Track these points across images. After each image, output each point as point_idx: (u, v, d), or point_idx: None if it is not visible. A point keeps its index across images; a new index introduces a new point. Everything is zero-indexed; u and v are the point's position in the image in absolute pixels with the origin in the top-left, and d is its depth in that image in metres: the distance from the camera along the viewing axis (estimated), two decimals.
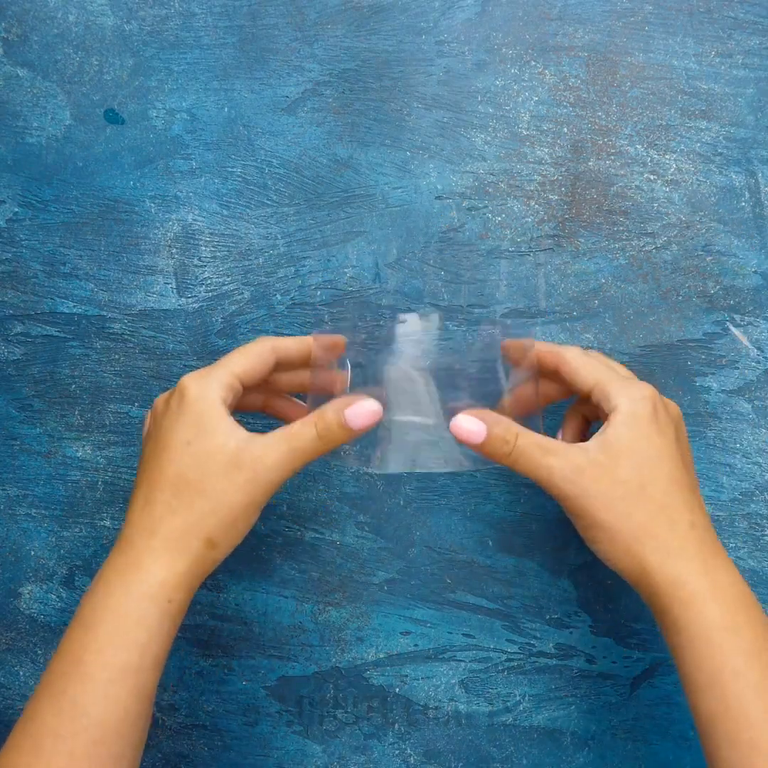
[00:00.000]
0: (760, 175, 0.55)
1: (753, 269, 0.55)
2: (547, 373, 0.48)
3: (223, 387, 0.43)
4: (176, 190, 0.55)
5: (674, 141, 0.55)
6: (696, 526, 0.42)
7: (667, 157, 0.55)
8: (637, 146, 0.55)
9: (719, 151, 0.55)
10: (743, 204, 0.55)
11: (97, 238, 0.55)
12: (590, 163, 0.55)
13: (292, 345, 0.46)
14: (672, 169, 0.55)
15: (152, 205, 0.56)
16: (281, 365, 0.47)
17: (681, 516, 0.42)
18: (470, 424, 0.43)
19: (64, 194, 0.56)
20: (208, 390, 0.43)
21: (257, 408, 0.49)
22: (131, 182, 0.56)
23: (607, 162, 0.55)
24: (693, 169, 0.55)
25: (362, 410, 0.43)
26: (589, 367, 0.45)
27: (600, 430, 0.44)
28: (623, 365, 0.49)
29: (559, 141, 0.55)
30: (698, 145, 0.55)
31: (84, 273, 0.55)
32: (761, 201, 0.55)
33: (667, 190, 0.55)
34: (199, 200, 0.55)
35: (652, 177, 0.55)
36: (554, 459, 0.42)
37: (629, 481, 0.42)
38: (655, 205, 0.55)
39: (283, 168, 0.55)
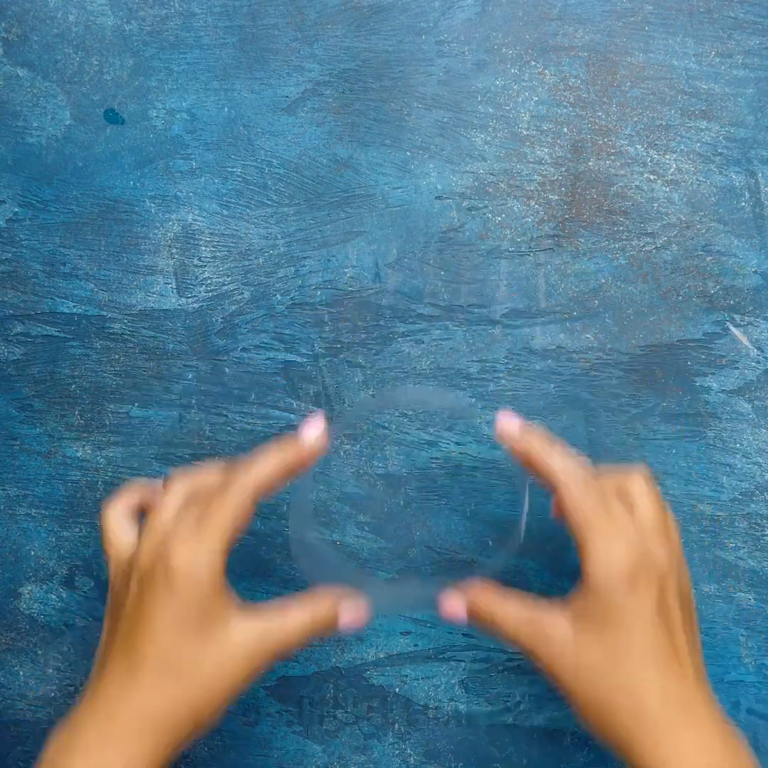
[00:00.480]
0: (760, 175, 0.55)
1: (753, 269, 0.55)
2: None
3: (215, 553, 0.40)
4: (176, 190, 0.55)
5: (674, 141, 0.55)
6: (670, 700, 0.40)
7: (667, 157, 0.55)
8: (637, 146, 0.55)
9: (719, 151, 0.55)
10: (743, 204, 0.55)
11: (97, 238, 0.55)
12: (590, 163, 0.55)
13: (272, 476, 0.42)
14: (672, 169, 0.55)
15: (152, 205, 0.56)
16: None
17: (651, 692, 0.40)
18: (455, 606, 0.44)
19: (64, 194, 0.56)
20: (200, 557, 0.40)
21: None
22: (131, 182, 0.56)
23: (607, 162, 0.55)
24: (693, 169, 0.55)
25: (352, 613, 0.43)
26: (578, 508, 0.41)
27: (576, 592, 0.42)
28: (632, 474, 0.45)
29: (559, 141, 0.55)
30: (698, 145, 0.55)
31: (84, 273, 0.55)
32: (761, 201, 0.55)
33: (667, 190, 0.55)
34: (199, 200, 0.55)
35: (652, 177, 0.55)
36: (527, 631, 0.42)
37: (596, 657, 0.40)
38: (655, 205, 0.55)
39: (283, 168, 0.55)
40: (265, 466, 0.42)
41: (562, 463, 0.42)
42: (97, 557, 0.55)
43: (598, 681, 0.40)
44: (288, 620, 0.42)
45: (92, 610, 0.56)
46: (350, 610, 0.43)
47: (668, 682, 0.40)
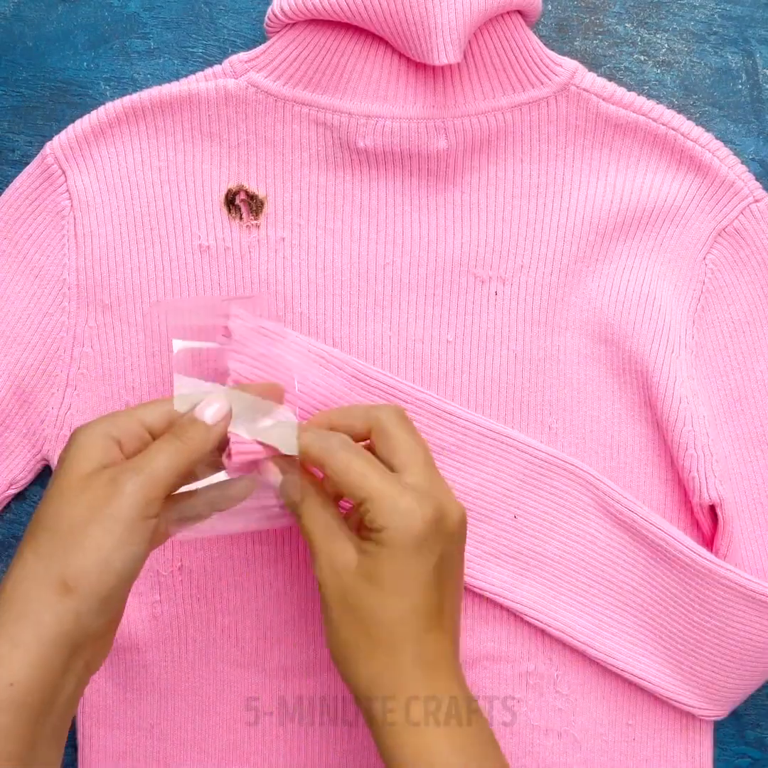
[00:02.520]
0: (757, 55, 0.52)
1: (750, 156, 0.52)
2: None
3: (116, 425, 0.39)
4: (133, 72, 0.52)
5: (666, 19, 0.52)
6: (421, 660, 0.40)
7: (658, 36, 0.52)
8: (627, 25, 0.52)
9: (714, 29, 0.52)
10: (740, 87, 0.52)
11: (48, 123, 0.52)
12: (576, 43, 0.52)
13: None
14: (664, 50, 0.52)
15: (107, 87, 0.52)
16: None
17: (404, 648, 0.40)
18: (271, 473, 0.42)
19: (13, 76, 0.52)
20: (90, 425, 0.39)
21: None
22: (85, 63, 0.52)
23: (595, 42, 0.52)
24: (686, 49, 0.52)
25: (211, 404, 0.41)
26: (358, 474, 0.40)
27: (370, 542, 0.40)
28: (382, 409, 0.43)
29: (543, 19, 0.51)
30: (692, 23, 0.52)
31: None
32: (759, 83, 0.52)
33: (659, 71, 0.52)
34: (158, 82, 0.51)
35: (642, 58, 0.52)
36: (325, 546, 0.40)
37: (366, 603, 0.39)
38: (646, 87, 0.52)
39: (248, 48, 0.51)
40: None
41: (319, 443, 0.41)
42: (48, 466, 0.51)
43: (359, 627, 0.39)
44: (154, 452, 0.38)
45: None
46: (211, 407, 0.40)
47: (426, 645, 0.40)
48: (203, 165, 0.49)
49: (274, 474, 0.41)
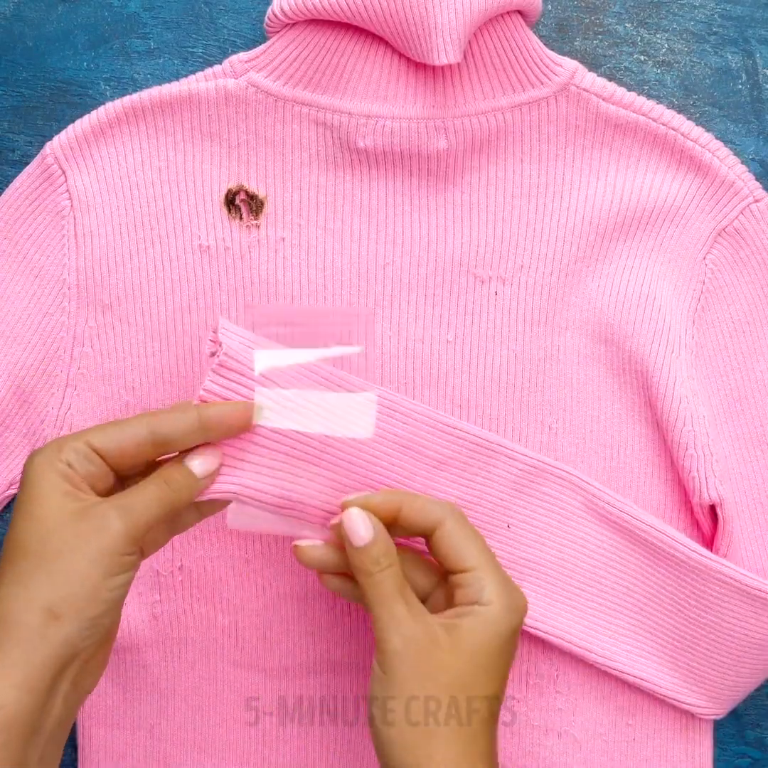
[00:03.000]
0: (757, 55, 0.52)
1: (751, 156, 0.52)
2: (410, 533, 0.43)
3: (61, 449, 0.38)
4: (133, 72, 0.52)
5: (666, 19, 0.52)
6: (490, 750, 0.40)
7: (658, 36, 0.52)
8: (627, 24, 0.52)
9: (714, 29, 0.52)
10: (740, 87, 0.52)
11: (48, 123, 0.52)
12: (576, 43, 0.52)
13: (175, 423, 0.39)
14: (664, 50, 0.52)
15: (107, 87, 0.52)
16: (162, 449, 0.40)
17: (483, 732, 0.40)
18: (364, 524, 0.40)
19: (13, 76, 0.52)
20: (42, 452, 0.38)
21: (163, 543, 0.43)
22: (85, 63, 0.52)
23: (595, 42, 0.52)
24: (686, 49, 0.52)
25: (203, 455, 0.40)
26: (473, 544, 0.41)
27: (457, 613, 0.40)
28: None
29: (543, 19, 0.51)
30: (692, 23, 0.52)
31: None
32: (759, 83, 0.52)
33: (659, 71, 0.52)
34: (158, 82, 0.51)
35: (642, 58, 0.52)
36: (397, 621, 0.39)
37: (441, 687, 0.39)
38: (646, 87, 0.52)
39: (248, 48, 0.51)
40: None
41: (433, 504, 0.42)
42: None
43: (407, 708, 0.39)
44: (141, 492, 0.38)
45: None
46: (201, 459, 0.40)
47: (493, 732, 0.41)
48: (203, 165, 0.49)
49: (364, 529, 0.40)
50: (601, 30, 0.52)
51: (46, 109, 0.52)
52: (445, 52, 0.45)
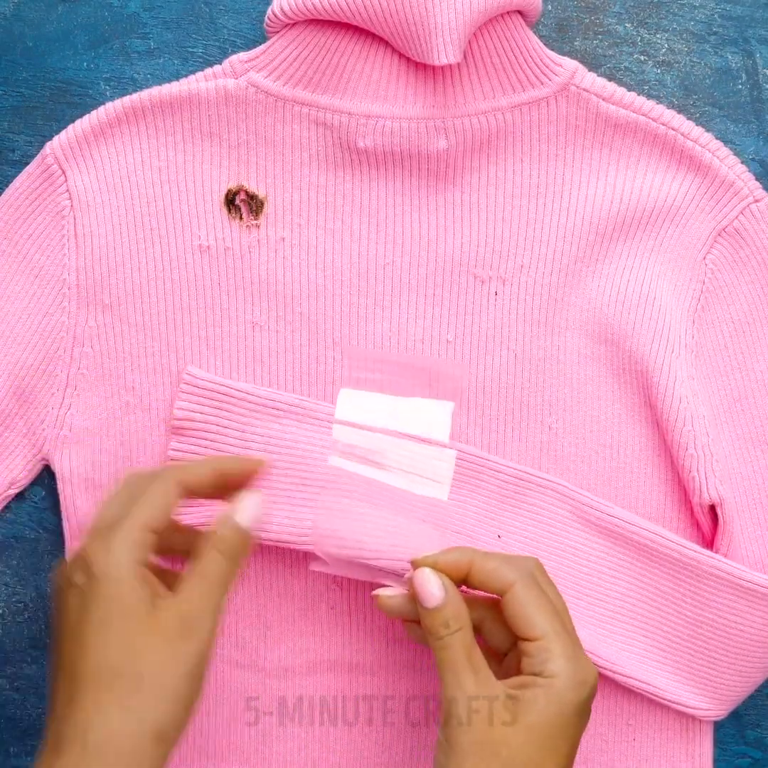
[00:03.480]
0: (757, 55, 0.52)
1: (751, 156, 0.52)
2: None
3: (133, 547, 0.37)
4: (133, 72, 0.52)
5: (666, 19, 0.52)
6: None
7: (658, 36, 0.52)
8: (627, 24, 0.52)
9: (714, 29, 0.52)
10: (740, 87, 0.52)
11: (48, 123, 0.52)
12: (576, 43, 0.52)
13: (199, 473, 0.41)
14: (664, 50, 0.52)
15: (107, 87, 0.52)
16: (192, 495, 0.41)
17: None
18: (435, 586, 0.40)
19: (13, 76, 0.52)
20: (116, 556, 0.36)
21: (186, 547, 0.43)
22: (85, 63, 0.52)
23: (595, 42, 0.52)
24: (686, 49, 0.52)
25: (246, 506, 0.40)
26: (541, 613, 0.40)
27: (521, 682, 0.39)
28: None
29: (542, 19, 0.51)
30: (692, 23, 0.52)
31: None
32: (759, 83, 0.52)
33: (659, 71, 0.52)
34: (158, 82, 0.51)
35: (642, 58, 0.52)
36: (463, 690, 0.39)
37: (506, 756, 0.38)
38: (646, 87, 0.52)
39: (248, 48, 0.51)
40: (202, 468, 0.40)
41: (504, 566, 0.41)
42: (48, 466, 0.51)
43: None
44: (209, 576, 0.38)
45: (42, 522, 0.52)
46: (243, 507, 0.40)
47: None
48: (203, 165, 0.49)
49: (435, 590, 0.40)
50: (601, 30, 0.52)
51: (46, 109, 0.52)
52: (445, 53, 0.45)
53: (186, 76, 0.50)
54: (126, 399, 0.50)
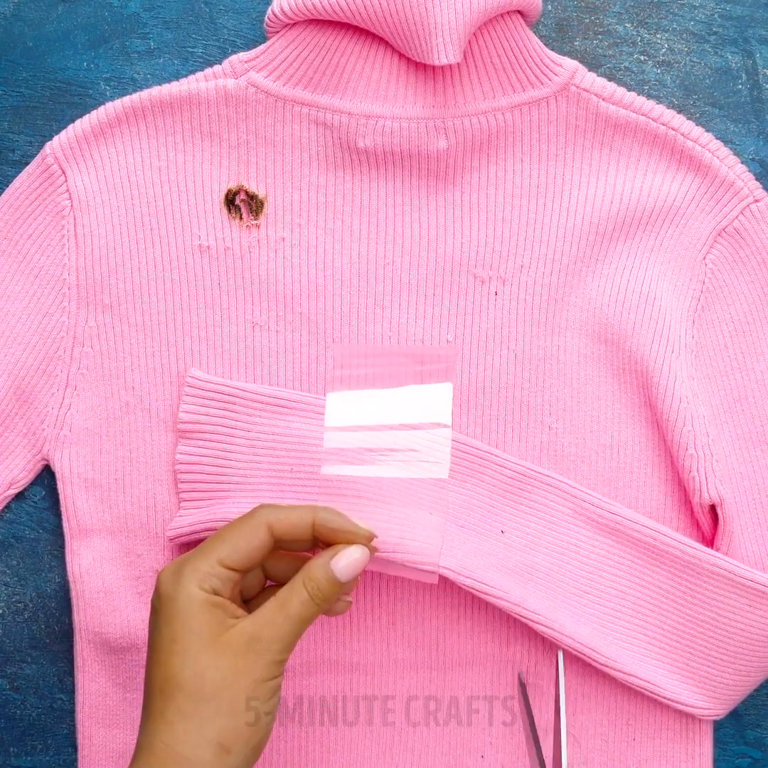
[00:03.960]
0: (757, 55, 0.52)
1: (751, 156, 0.52)
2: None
3: (202, 579, 0.38)
4: (133, 72, 0.52)
5: (666, 19, 0.52)
6: None
7: (658, 36, 0.52)
8: (627, 25, 0.52)
9: (714, 30, 0.52)
10: (740, 87, 0.52)
11: (49, 123, 0.52)
12: (576, 43, 0.52)
13: (294, 520, 0.40)
14: (664, 50, 0.52)
15: (107, 87, 0.52)
16: (283, 544, 0.41)
17: None
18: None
19: (13, 76, 0.52)
20: (183, 585, 0.38)
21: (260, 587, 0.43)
22: (85, 63, 0.52)
23: (595, 42, 0.52)
24: (686, 49, 0.52)
25: (349, 561, 0.40)
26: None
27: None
28: None
29: (542, 19, 0.51)
30: (692, 23, 0.52)
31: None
32: (759, 83, 0.52)
33: (659, 71, 0.52)
34: (158, 82, 0.51)
35: (642, 58, 0.52)
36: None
37: None
38: (646, 87, 0.52)
39: (247, 48, 0.51)
40: (295, 513, 0.40)
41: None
42: (48, 466, 0.51)
43: None
44: (287, 609, 0.39)
45: (42, 522, 0.52)
46: (346, 562, 0.40)
47: None
48: (203, 165, 0.49)
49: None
50: (601, 30, 0.52)
51: (46, 109, 0.52)
52: (445, 53, 0.45)
53: (186, 76, 0.50)
54: (126, 399, 0.50)
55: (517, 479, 0.48)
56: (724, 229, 0.49)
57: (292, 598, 0.39)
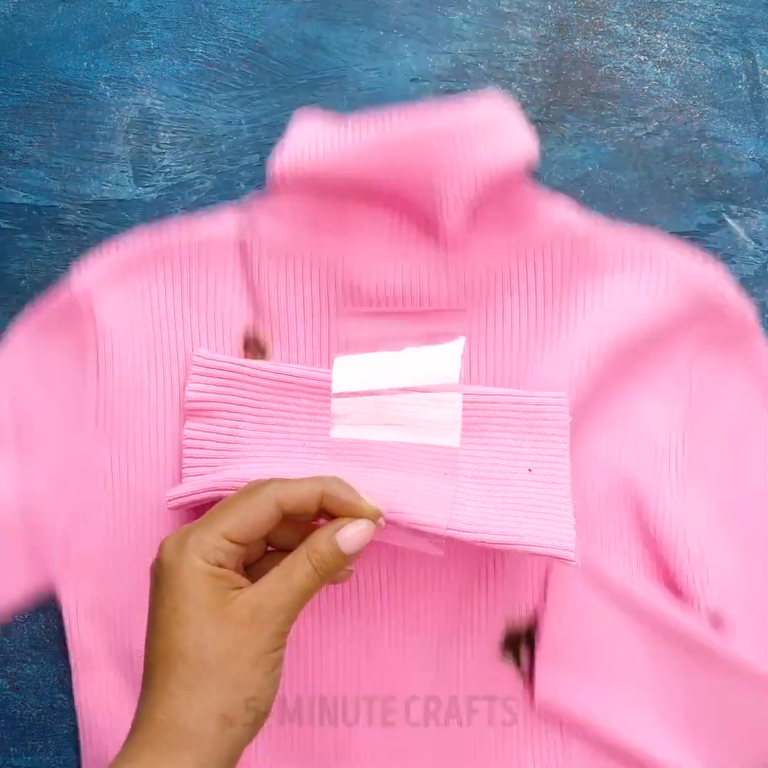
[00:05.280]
0: (757, 55, 0.52)
1: (750, 156, 0.52)
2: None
3: (206, 550, 0.38)
4: (133, 72, 0.52)
5: (666, 19, 0.52)
6: None
7: (658, 36, 0.52)
8: (627, 24, 0.52)
9: (714, 29, 0.52)
10: (740, 86, 0.52)
11: (49, 123, 0.52)
12: (576, 43, 0.52)
13: (303, 494, 0.40)
14: (664, 49, 0.52)
15: (107, 87, 0.52)
16: (290, 516, 0.40)
17: None
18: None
19: (13, 76, 0.52)
20: (187, 555, 0.38)
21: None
22: (85, 63, 0.52)
23: (595, 42, 0.52)
24: (686, 49, 0.52)
25: (355, 533, 0.40)
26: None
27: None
28: None
29: (542, 19, 0.51)
30: (692, 23, 0.52)
31: (35, 161, 0.51)
32: (759, 83, 0.52)
33: (659, 71, 0.52)
34: (158, 83, 0.51)
35: (642, 57, 0.52)
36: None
37: None
38: (646, 87, 0.52)
39: (248, 48, 0.51)
40: (304, 487, 0.40)
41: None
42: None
43: None
44: (292, 591, 0.39)
45: None
46: (351, 534, 0.40)
47: None
48: (222, 306, 0.49)
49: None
50: (601, 30, 0.52)
51: (46, 109, 0.52)
52: (451, 239, 0.46)
53: (186, 75, 0.50)
54: (132, 533, 0.49)
55: (534, 411, 0.48)
56: (706, 340, 0.49)
57: (295, 570, 0.39)
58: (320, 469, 0.46)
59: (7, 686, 0.52)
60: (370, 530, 0.40)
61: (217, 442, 0.48)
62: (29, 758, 0.52)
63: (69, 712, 0.52)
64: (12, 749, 0.52)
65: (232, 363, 0.48)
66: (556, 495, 0.46)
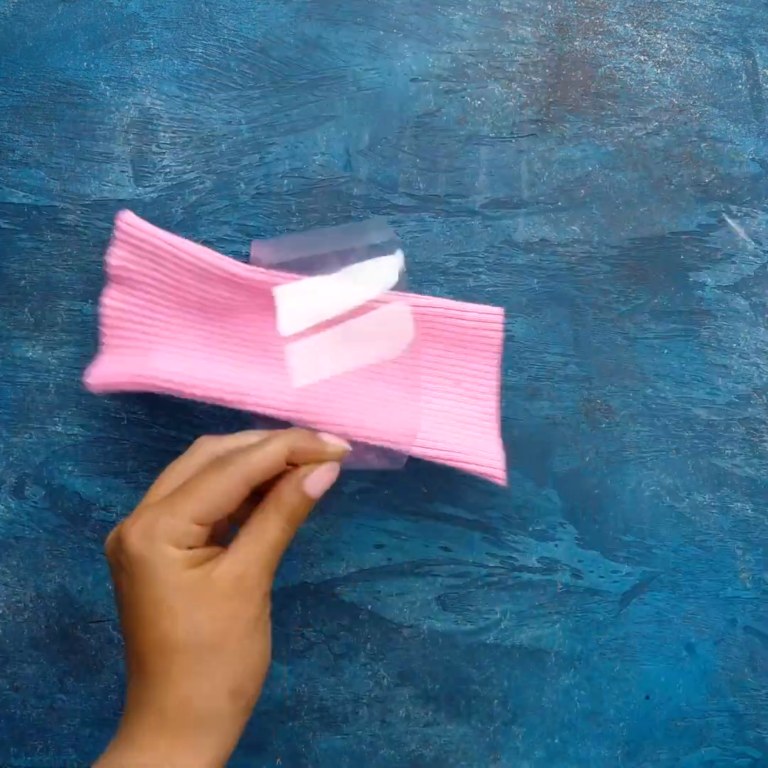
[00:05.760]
0: (757, 55, 0.52)
1: (750, 156, 0.52)
2: None
3: (178, 538, 0.37)
4: (133, 72, 0.52)
5: (666, 19, 0.52)
6: None
7: (658, 36, 0.52)
8: (627, 24, 0.52)
9: (714, 29, 0.52)
10: (740, 86, 0.52)
11: (49, 123, 0.52)
12: (576, 43, 0.52)
13: (270, 463, 0.39)
14: (664, 49, 0.52)
15: (107, 87, 0.52)
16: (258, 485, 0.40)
17: None
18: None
19: (13, 76, 0.52)
20: (157, 545, 0.37)
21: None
22: (85, 63, 0.52)
23: (595, 41, 0.52)
24: (686, 49, 0.52)
25: (321, 477, 0.40)
26: None
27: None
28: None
29: (542, 19, 0.51)
30: (692, 23, 0.52)
31: (34, 160, 0.51)
32: (759, 83, 0.52)
33: (659, 71, 0.52)
34: (158, 83, 0.51)
35: (642, 57, 0.52)
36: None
37: None
38: (646, 87, 0.52)
39: (248, 48, 0.51)
40: (268, 458, 0.39)
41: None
42: (49, 465, 0.51)
43: None
44: (263, 534, 0.39)
45: (42, 522, 0.52)
46: (318, 478, 0.40)
47: None
48: None
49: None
50: (601, 30, 0.52)
51: (46, 109, 0.52)
52: None
53: (186, 75, 0.50)
54: None
55: (471, 326, 0.48)
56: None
57: (268, 528, 0.39)
58: (243, 363, 0.46)
59: (7, 686, 0.52)
60: (335, 469, 0.41)
61: (135, 315, 0.46)
62: (29, 758, 0.52)
63: (69, 712, 0.52)
64: (12, 749, 0.52)
65: (155, 237, 0.46)
66: (482, 410, 0.47)
